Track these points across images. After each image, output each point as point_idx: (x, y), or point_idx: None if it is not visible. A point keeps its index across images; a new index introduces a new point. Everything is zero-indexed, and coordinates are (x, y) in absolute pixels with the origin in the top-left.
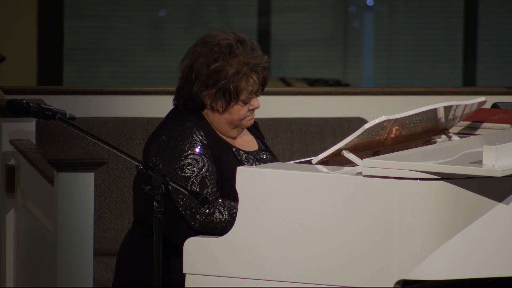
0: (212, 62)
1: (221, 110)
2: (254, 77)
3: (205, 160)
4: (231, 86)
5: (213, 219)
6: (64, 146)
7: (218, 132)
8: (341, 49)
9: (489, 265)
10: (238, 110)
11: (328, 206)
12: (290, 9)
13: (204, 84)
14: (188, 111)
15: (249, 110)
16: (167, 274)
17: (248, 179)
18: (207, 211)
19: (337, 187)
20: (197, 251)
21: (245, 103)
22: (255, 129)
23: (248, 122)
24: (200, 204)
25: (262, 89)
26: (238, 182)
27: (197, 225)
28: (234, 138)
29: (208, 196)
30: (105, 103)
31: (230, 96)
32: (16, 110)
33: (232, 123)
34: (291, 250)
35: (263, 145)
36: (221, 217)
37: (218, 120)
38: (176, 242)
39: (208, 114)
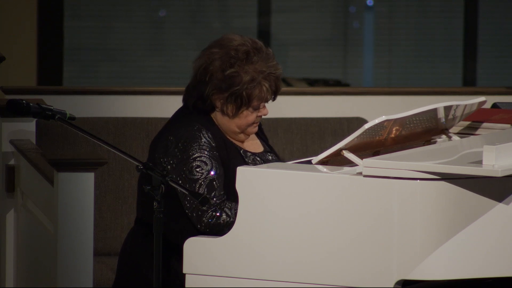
0: (228, 67)
1: (231, 114)
2: (267, 86)
3: (213, 163)
4: (244, 92)
5: (220, 222)
6: (64, 146)
7: (225, 134)
8: (341, 49)
9: (489, 265)
10: (246, 116)
11: (328, 206)
12: (290, 9)
13: (217, 88)
14: (197, 111)
15: (257, 116)
16: (167, 274)
17: (248, 179)
18: (214, 213)
19: (337, 187)
20: (197, 251)
21: (255, 109)
22: (260, 130)
23: (253, 130)
24: (200, 204)
25: (274, 98)
26: (238, 182)
27: (203, 227)
28: (241, 142)
29: (208, 197)
30: (105, 103)
31: (242, 102)
32: (16, 110)
33: (240, 128)
34: (291, 250)
35: (268, 147)
36: (228, 219)
37: (227, 123)
38: (176, 242)
39: (216, 116)
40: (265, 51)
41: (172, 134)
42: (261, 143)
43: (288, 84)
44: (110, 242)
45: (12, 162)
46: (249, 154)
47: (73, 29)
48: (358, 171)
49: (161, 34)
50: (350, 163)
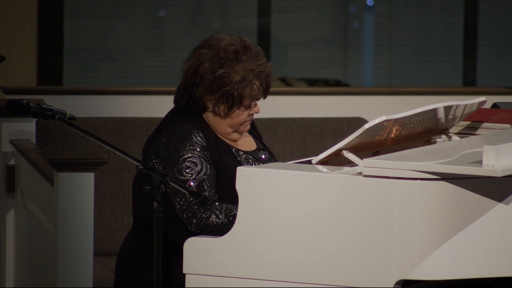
0: (218, 68)
1: (223, 114)
2: (258, 84)
3: (204, 163)
4: (235, 92)
5: (209, 223)
6: (64, 146)
7: (217, 134)
8: (341, 49)
9: (489, 265)
10: (238, 115)
11: (328, 206)
12: (290, 9)
13: (208, 89)
14: (189, 112)
15: (249, 115)
16: (167, 274)
17: (248, 179)
18: (203, 215)
19: (337, 187)
20: (197, 251)
21: (247, 108)
22: (253, 128)
23: (245, 128)
24: (200, 204)
25: (265, 96)
26: (238, 182)
27: (193, 229)
28: (234, 141)
29: (209, 197)
30: (105, 103)
31: (233, 102)
32: (16, 110)
33: (232, 127)
34: (291, 250)
35: (262, 144)
36: (217, 220)
37: (219, 123)
38: (176, 242)
39: (208, 116)
40: (254, 49)
41: (163, 135)
42: (254, 140)
43: (288, 84)
44: (110, 242)
45: (12, 162)
46: (241, 153)
47: (73, 29)
48: (358, 171)
49: (161, 34)
50: (350, 163)
